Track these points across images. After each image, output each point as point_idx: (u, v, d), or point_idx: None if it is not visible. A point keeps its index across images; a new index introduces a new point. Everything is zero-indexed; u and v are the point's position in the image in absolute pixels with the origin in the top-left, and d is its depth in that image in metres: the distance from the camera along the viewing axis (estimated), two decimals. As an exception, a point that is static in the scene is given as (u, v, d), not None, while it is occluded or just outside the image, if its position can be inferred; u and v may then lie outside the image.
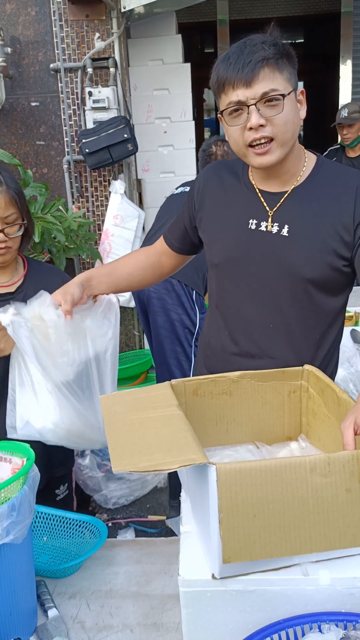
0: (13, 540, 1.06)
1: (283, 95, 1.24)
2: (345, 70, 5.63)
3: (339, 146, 4.33)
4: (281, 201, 1.39)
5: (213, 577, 0.98)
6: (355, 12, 5.48)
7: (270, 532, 0.94)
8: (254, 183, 1.43)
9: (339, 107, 4.19)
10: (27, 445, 1.20)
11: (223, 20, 5.91)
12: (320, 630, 0.93)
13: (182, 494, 1.23)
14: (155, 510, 2.90)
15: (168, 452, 0.97)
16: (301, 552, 0.96)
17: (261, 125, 1.25)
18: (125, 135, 3.37)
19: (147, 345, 4.04)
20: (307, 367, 1.34)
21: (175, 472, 1.04)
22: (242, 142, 1.30)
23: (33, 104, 3.64)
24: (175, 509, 2.77)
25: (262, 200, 1.40)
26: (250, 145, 1.29)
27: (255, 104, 1.24)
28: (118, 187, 3.61)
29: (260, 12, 6.71)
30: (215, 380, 1.29)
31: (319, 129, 6.64)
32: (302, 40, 8.45)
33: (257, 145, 1.28)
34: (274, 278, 1.40)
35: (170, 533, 2.67)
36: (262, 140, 1.27)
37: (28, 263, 1.77)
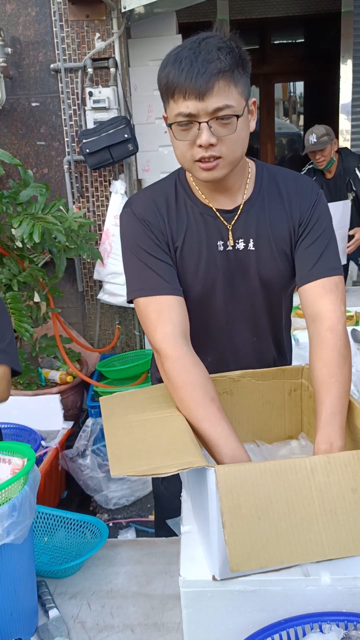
0: (14, 541, 1.06)
1: (237, 116, 1.18)
2: (346, 70, 5.62)
3: (312, 166, 4.08)
4: (237, 216, 1.36)
5: (214, 578, 0.98)
6: (356, 12, 5.47)
7: (278, 535, 0.92)
8: (211, 206, 1.36)
9: (305, 134, 3.93)
10: (28, 445, 1.20)
11: (223, 20, 5.91)
12: (321, 631, 0.93)
13: (183, 493, 1.23)
14: (156, 510, 2.90)
15: (166, 455, 0.97)
16: (315, 557, 0.93)
17: (211, 145, 1.19)
18: (126, 135, 3.37)
19: (147, 345, 4.04)
20: (307, 365, 1.34)
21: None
22: (189, 156, 1.23)
23: (33, 104, 3.64)
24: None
25: (222, 219, 1.36)
26: (198, 160, 1.23)
27: (207, 122, 1.17)
28: (119, 187, 3.61)
29: (260, 12, 6.70)
30: (216, 379, 1.29)
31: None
32: (302, 40, 8.43)
33: (204, 160, 1.22)
34: (251, 293, 1.41)
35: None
36: (211, 159, 1.22)
37: None
